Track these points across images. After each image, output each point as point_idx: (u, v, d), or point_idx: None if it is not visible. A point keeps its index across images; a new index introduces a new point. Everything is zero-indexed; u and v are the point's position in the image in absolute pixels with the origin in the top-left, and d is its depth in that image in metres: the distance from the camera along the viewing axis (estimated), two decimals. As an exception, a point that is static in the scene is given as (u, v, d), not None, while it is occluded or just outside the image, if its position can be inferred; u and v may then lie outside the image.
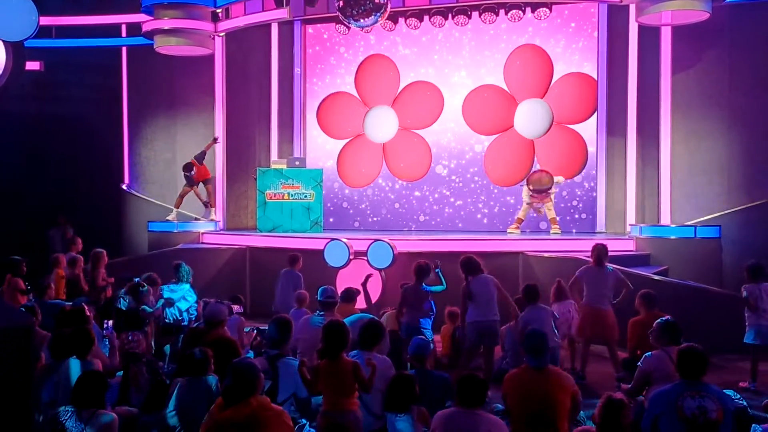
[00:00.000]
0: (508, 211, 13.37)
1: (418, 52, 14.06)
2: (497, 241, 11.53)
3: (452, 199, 13.90)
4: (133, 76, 14.99)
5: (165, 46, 13.55)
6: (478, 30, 13.51)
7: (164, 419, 5.30)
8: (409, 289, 8.06)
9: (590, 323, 8.06)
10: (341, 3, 9.73)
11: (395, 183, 14.26)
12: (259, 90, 14.66)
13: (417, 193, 14.12)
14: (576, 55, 13.12)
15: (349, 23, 10.21)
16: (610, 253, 8.49)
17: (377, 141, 14.25)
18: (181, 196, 13.64)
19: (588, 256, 8.80)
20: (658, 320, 6.09)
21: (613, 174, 12.81)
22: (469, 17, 13.02)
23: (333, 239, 11.05)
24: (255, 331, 8.61)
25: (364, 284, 9.16)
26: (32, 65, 13.83)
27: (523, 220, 12.31)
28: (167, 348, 8.11)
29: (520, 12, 12.86)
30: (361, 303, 8.80)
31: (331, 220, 14.19)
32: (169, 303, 8.52)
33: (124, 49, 14.97)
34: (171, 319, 8.48)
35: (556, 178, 12.09)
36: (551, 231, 12.09)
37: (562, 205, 12.97)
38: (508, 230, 12.43)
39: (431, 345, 7.80)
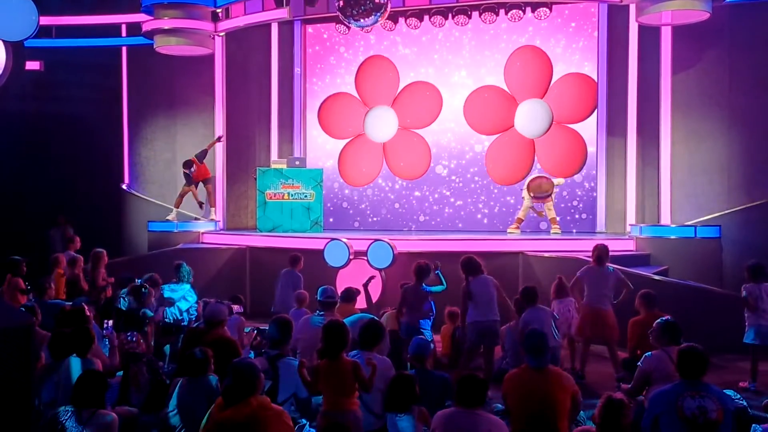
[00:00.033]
0: (508, 211, 13.37)
1: (418, 52, 14.06)
2: (497, 241, 11.54)
3: (452, 199, 13.90)
4: (133, 76, 14.99)
5: (165, 45, 13.56)
6: (478, 30, 13.51)
7: (164, 419, 5.30)
8: (409, 289, 8.07)
9: (590, 323, 8.07)
10: (341, 3, 9.73)
11: (395, 183, 14.26)
12: (259, 90, 14.66)
13: (417, 193, 14.12)
14: (576, 54, 13.12)
15: (349, 23, 10.21)
16: (610, 253, 8.49)
17: (377, 141, 14.26)
18: (181, 196, 13.63)
19: (588, 256, 8.81)
20: (658, 320, 6.08)
21: (613, 174, 12.81)
22: (469, 17, 13.02)
23: (333, 239, 11.05)
24: (255, 331, 8.58)
25: (365, 285, 9.17)
26: (32, 65, 13.83)
27: (523, 220, 12.32)
28: (167, 348, 8.11)
29: (520, 12, 12.85)
30: (361, 303, 8.81)
31: (331, 220, 14.19)
32: (170, 303, 8.52)
33: (124, 49, 14.98)
34: (171, 319, 8.48)
35: (555, 181, 12.09)
36: (551, 231, 12.10)
37: (562, 205, 12.97)
38: (508, 230, 12.43)
39: (431, 345, 7.81)
